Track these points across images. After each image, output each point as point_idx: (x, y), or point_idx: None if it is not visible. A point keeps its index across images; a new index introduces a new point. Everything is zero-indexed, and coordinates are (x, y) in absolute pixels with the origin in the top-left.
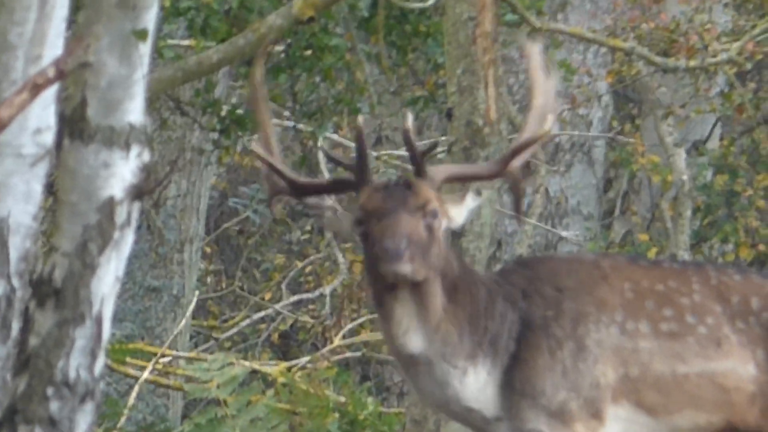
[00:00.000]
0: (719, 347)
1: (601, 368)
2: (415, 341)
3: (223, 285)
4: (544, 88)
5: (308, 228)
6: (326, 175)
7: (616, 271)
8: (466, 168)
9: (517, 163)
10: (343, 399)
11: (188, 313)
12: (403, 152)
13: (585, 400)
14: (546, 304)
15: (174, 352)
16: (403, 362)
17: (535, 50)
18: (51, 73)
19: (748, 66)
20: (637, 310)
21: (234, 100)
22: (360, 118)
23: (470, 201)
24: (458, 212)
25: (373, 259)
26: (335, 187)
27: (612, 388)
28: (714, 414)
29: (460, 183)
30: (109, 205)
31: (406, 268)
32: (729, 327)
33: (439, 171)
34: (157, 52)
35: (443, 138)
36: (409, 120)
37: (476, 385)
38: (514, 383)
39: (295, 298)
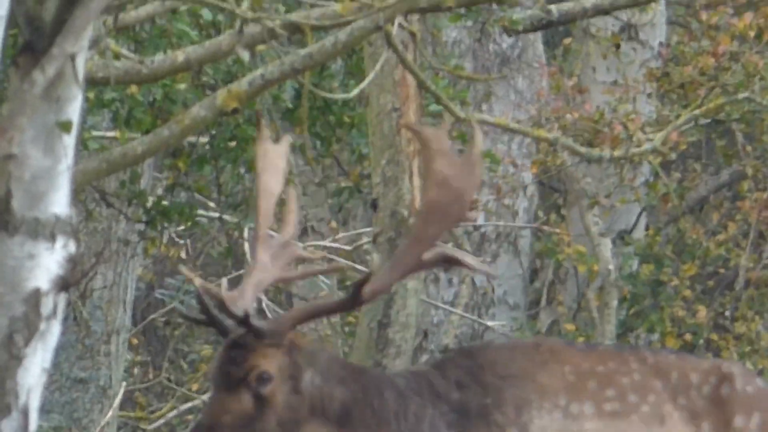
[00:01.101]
0: (663, 424)
1: None
2: None
3: (150, 376)
4: (442, 177)
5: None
6: None
7: (555, 354)
8: (316, 306)
9: (368, 292)
10: None
11: (115, 404)
12: (329, 243)
13: None
14: (485, 392)
15: None
16: None
17: (432, 137)
18: None
19: (673, 156)
20: (580, 392)
21: (159, 191)
22: (198, 281)
23: None
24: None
25: None
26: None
27: None
28: None
29: (314, 320)
30: (35, 296)
31: None
32: (671, 404)
33: (284, 320)
34: (82, 144)
35: (368, 229)
36: (224, 287)
37: None
38: None
39: None
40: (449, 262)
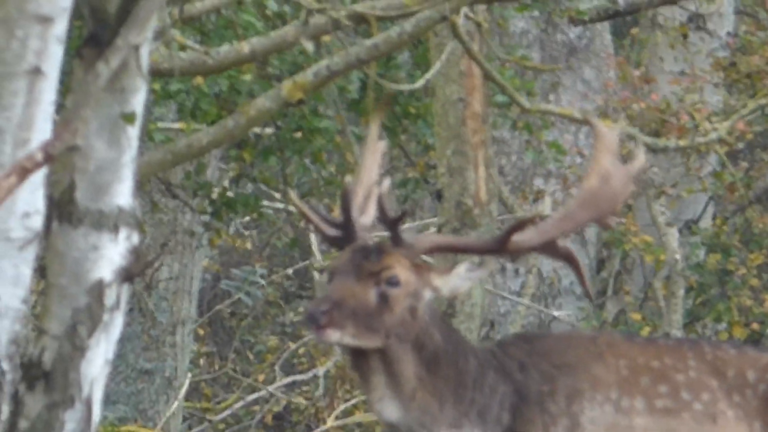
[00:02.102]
0: (715, 423)
1: None
2: (390, 409)
3: (216, 367)
4: (606, 172)
5: (300, 309)
6: (318, 257)
7: (612, 348)
8: (457, 239)
9: (514, 243)
10: None
11: (181, 395)
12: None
13: None
14: (542, 379)
15: None
16: (386, 429)
17: (608, 135)
18: (39, 156)
19: (739, 145)
20: (633, 386)
21: (225, 182)
22: (348, 178)
23: (462, 271)
24: (444, 282)
25: None
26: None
27: None
28: None
29: (450, 253)
30: (99, 287)
31: (325, 334)
32: (725, 402)
33: (423, 240)
34: (148, 135)
35: (434, 219)
36: (385, 185)
37: None
38: None
39: (289, 379)
40: (570, 261)
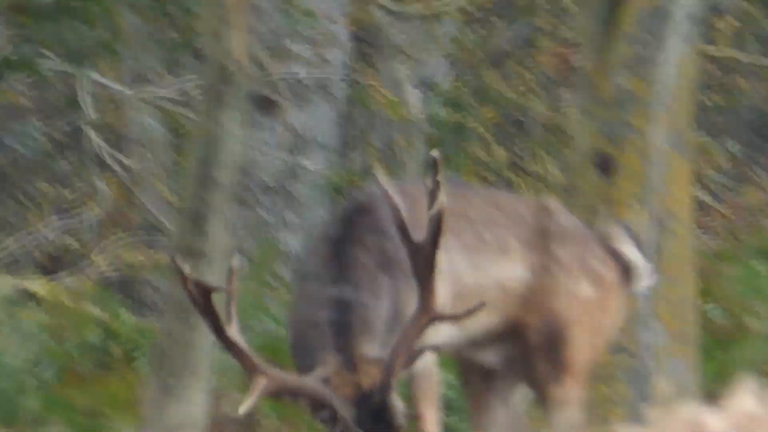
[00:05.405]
0: (507, 253)
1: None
2: None
3: None
4: None
5: (72, 159)
6: (88, 112)
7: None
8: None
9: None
10: (103, 314)
11: None
12: (165, 92)
13: None
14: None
15: None
16: None
17: None
18: None
19: (477, 13)
20: (446, 228)
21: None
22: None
23: None
24: None
25: None
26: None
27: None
28: (497, 315)
29: None
30: None
31: None
32: (511, 235)
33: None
34: None
35: (194, 76)
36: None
37: None
38: None
39: (62, 222)
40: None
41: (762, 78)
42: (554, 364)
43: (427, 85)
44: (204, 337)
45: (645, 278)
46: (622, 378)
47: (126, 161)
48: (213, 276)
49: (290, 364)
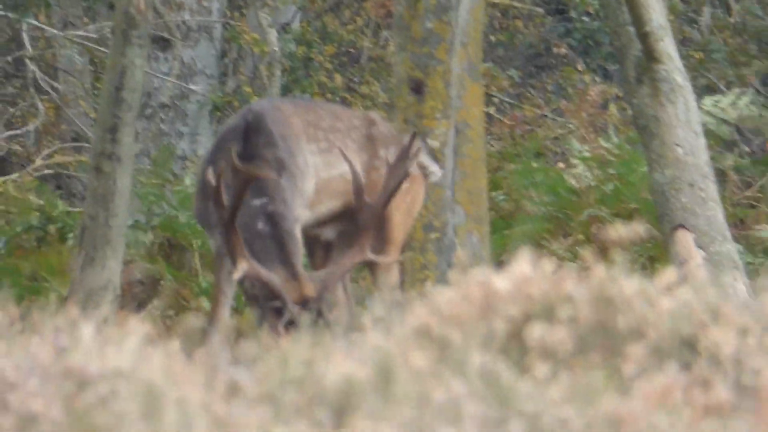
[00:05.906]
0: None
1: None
2: None
3: None
4: None
5: (17, 84)
6: (29, 47)
7: (293, 109)
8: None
9: None
10: (42, 202)
11: None
12: (83, 33)
13: None
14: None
15: None
16: None
17: None
18: None
19: None
20: (309, 136)
21: None
22: None
23: None
24: None
25: None
26: None
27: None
28: (339, 200)
29: None
30: None
31: None
32: (348, 139)
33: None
34: None
35: (110, 23)
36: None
37: None
38: None
39: (9, 133)
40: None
41: (534, 21)
42: (379, 237)
43: (283, 28)
44: (119, 219)
45: (434, 175)
46: (433, 250)
47: (58, 86)
48: (125, 173)
49: (183, 239)
